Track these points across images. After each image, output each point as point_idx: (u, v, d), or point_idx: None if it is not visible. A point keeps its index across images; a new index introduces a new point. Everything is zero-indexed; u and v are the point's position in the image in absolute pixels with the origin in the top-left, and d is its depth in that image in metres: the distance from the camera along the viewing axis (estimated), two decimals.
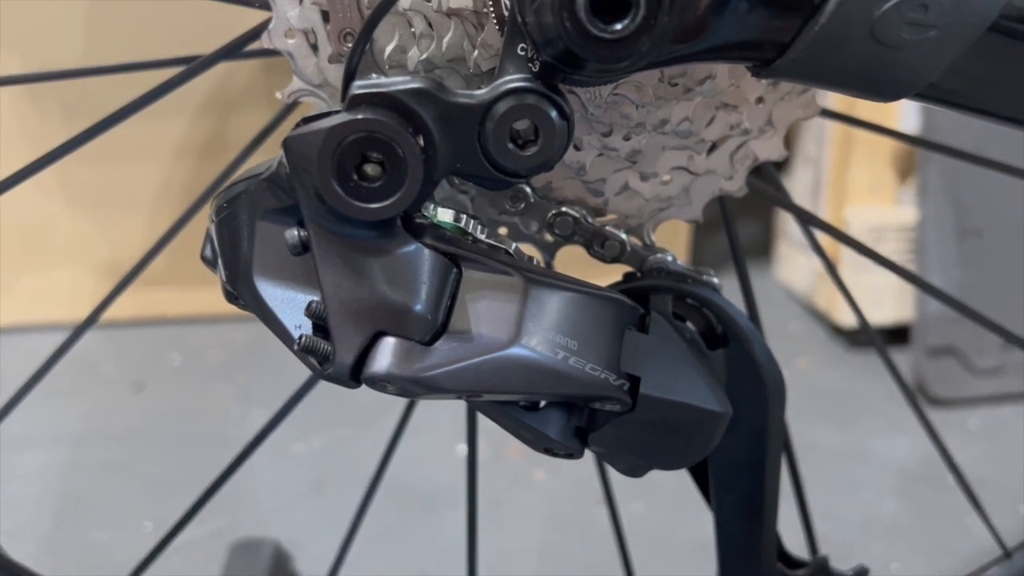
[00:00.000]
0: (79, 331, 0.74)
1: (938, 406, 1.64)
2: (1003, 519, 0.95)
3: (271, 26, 0.55)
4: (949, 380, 1.67)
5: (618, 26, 0.41)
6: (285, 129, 0.78)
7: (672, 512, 1.30)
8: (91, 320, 0.74)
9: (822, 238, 1.71)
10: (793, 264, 1.95)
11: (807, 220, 0.75)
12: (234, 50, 0.59)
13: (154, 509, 1.35)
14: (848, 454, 1.54)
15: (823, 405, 1.64)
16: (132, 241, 1.80)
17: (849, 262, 1.70)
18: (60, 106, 1.65)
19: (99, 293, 1.82)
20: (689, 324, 0.61)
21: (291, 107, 0.72)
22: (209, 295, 1.78)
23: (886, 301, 1.72)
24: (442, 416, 1.46)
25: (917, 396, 1.66)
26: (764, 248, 2.04)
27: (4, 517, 1.32)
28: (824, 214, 1.80)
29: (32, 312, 1.80)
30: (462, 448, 1.49)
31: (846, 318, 1.78)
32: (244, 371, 1.69)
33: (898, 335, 1.73)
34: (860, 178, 1.77)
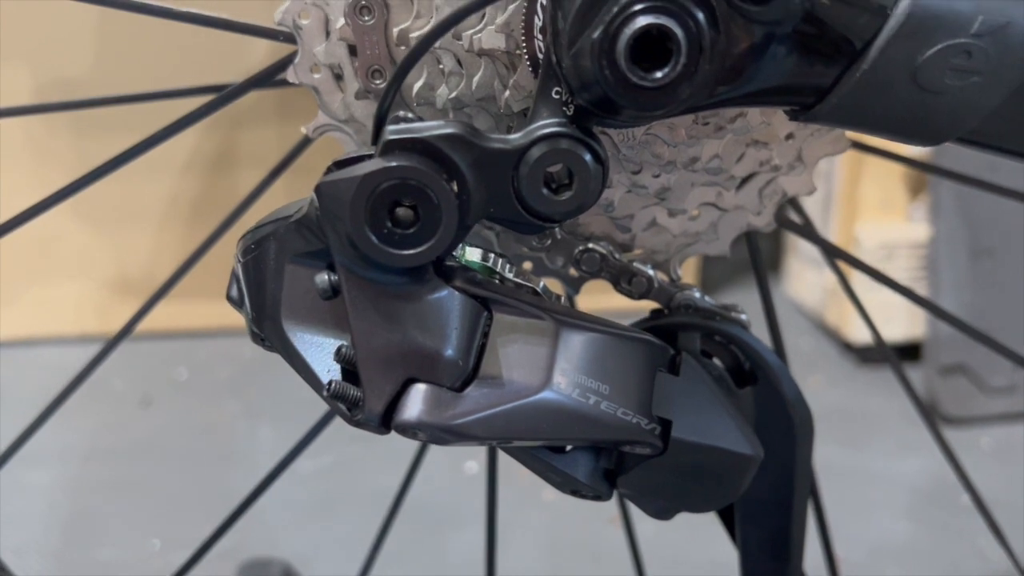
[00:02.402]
0: (109, 348, 0.73)
1: (950, 425, 1.63)
2: (1018, 541, 0.94)
3: (297, 60, 0.55)
4: (961, 398, 1.66)
5: (658, 74, 0.41)
6: (306, 157, 0.78)
7: (683, 533, 1.28)
8: (122, 336, 0.73)
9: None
10: (803, 280, 1.95)
11: (833, 253, 0.74)
12: (263, 81, 0.59)
13: (162, 526, 1.34)
14: (860, 474, 1.53)
15: (834, 424, 1.63)
16: (139, 255, 1.79)
17: (861, 279, 1.68)
18: (69, 121, 1.65)
19: (107, 308, 1.81)
20: (716, 361, 0.60)
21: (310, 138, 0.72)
22: (217, 309, 1.77)
23: (897, 318, 1.71)
24: None
25: (926, 413, 1.65)
26: (773, 264, 2.04)
27: (10, 534, 1.31)
28: (835, 230, 1.80)
29: (38, 326, 1.79)
30: (470, 465, 1.48)
31: (857, 335, 1.77)
32: (252, 386, 1.68)
33: (909, 352, 1.73)
34: (871, 194, 1.76)
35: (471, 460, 1.49)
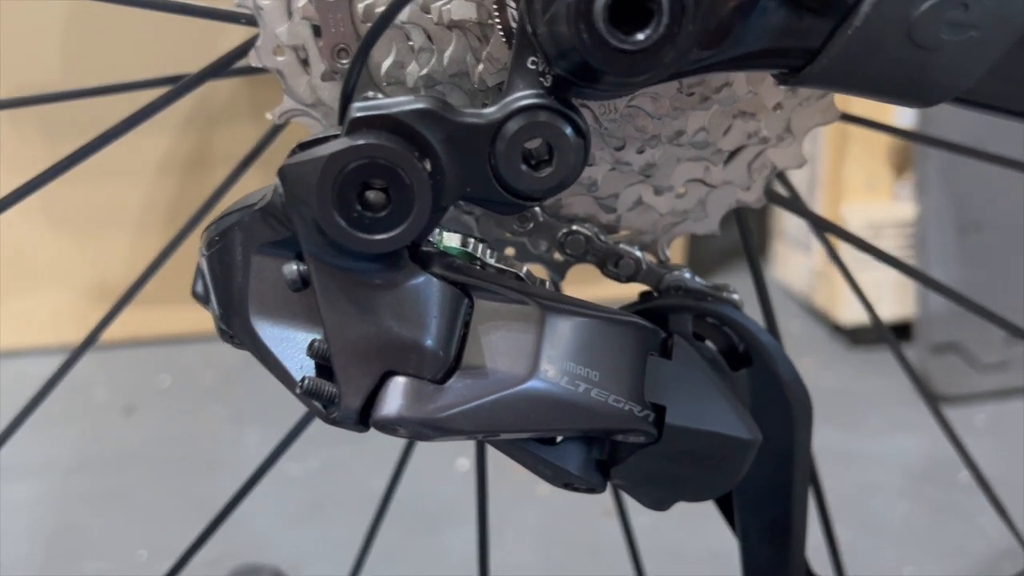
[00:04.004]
0: (75, 356, 0.71)
1: (943, 403, 1.62)
2: (1016, 518, 0.92)
3: (259, 43, 0.52)
4: (953, 377, 1.64)
5: (640, 36, 0.38)
6: (274, 149, 0.75)
7: (679, 524, 1.26)
8: (87, 343, 0.71)
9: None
10: (790, 263, 1.93)
11: (823, 227, 0.72)
12: (221, 68, 0.56)
13: (149, 536, 1.32)
14: (854, 455, 1.51)
15: (827, 406, 1.60)
16: (117, 262, 1.76)
17: (849, 258, 1.67)
18: (40, 127, 1.62)
19: (85, 316, 1.79)
20: (709, 343, 0.58)
21: (280, 127, 0.69)
22: (197, 314, 1.73)
23: (886, 298, 1.69)
24: None
25: (927, 394, 1.64)
26: (760, 247, 2.02)
27: None
28: (821, 211, 1.78)
29: (16, 337, 1.76)
30: (462, 463, 1.46)
31: (847, 316, 1.75)
32: (237, 391, 1.65)
33: (899, 332, 1.71)
34: (856, 174, 1.75)
35: (462, 457, 1.46)
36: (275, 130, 0.76)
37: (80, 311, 1.76)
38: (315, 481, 1.42)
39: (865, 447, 1.53)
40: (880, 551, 1.32)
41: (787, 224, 1.91)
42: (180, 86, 0.58)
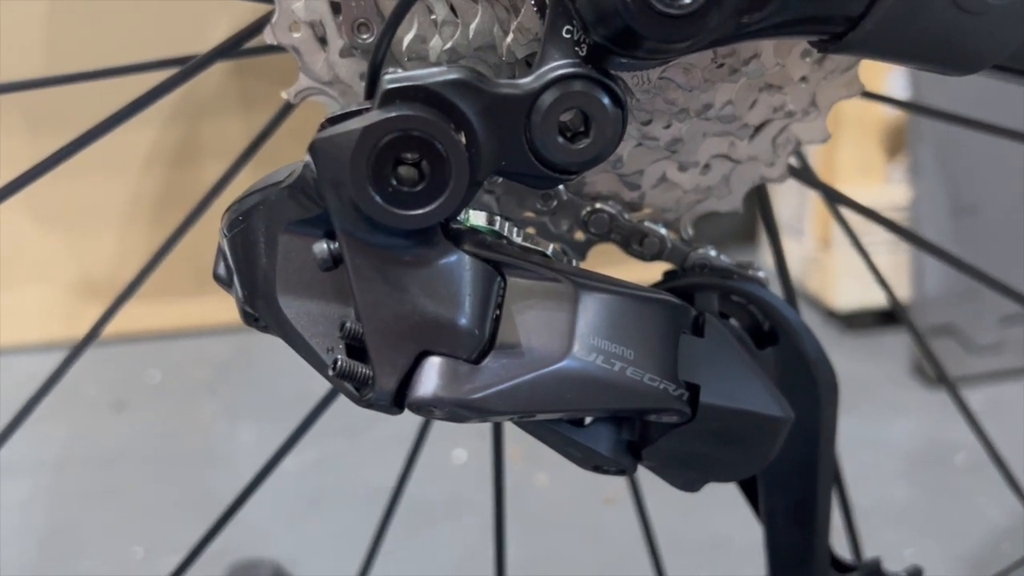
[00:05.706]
0: (75, 353, 0.69)
1: (939, 386, 1.62)
2: (1012, 501, 0.92)
3: (274, 20, 0.51)
4: (948, 359, 1.64)
5: (686, 0, 0.37)
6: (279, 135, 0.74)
7: (682, 512, 1.26)
8: (87, 340, 0.69)
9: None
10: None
11: (835, 199, 0.72)
12: (232, 48, 0.54)
13: (143, 533, 1.30)
14: (852, 439, 1.50)
15: None
16: (104, 257, 1.74)
17: (842, 243, 1.67)
18: (24, 121, 1.59)
19: (72, 313, 1.76)
20: (733, 321, 0.57)
21: (287, 110, 0.67)
22: (187, 308, 1.72)
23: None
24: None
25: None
26: (750, 234, 2.02)
27: None
28: (813, 197, 1.78)
29: (2, 335, 1.73)
30: (458, 454, 1.45)
31: (840, 302, 1.75)
32: (228, 385, 1.63)
33: (893, 316, 1.71)
34: (849, 158, 1.74)
35: (458, 448, 1.45)
36: (276, 121, 0.74)
37: (67, 308, 1.74)
38: (312, 475, 1.41)
39: (862, 431, 1.53)
40: (880, 534, 1.32)
41: (780, 209, 1.91)
42: (189, 67, 0.57)
